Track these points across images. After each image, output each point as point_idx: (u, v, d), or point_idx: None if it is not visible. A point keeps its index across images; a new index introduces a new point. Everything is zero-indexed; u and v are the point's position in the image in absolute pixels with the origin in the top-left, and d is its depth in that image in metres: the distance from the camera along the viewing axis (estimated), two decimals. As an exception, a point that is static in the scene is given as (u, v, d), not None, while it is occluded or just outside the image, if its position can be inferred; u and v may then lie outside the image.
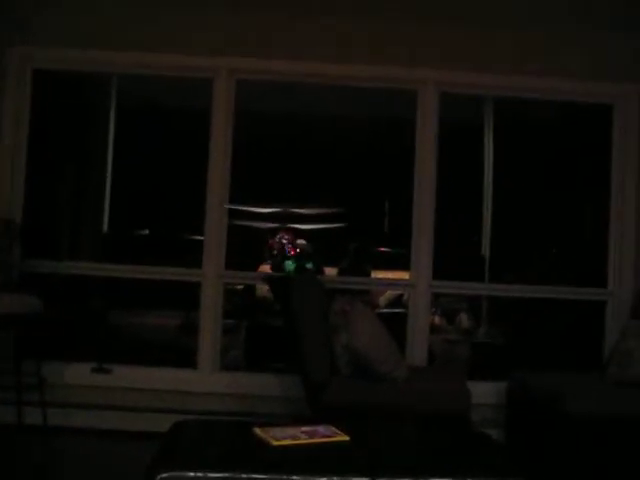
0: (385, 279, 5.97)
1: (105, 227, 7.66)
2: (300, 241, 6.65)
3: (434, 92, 4.60)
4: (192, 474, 2.33)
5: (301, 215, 7.47)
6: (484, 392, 4.30)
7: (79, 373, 4.47)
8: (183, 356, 4.84)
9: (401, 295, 6.54)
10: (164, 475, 2.31)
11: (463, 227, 7.39)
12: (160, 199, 7.75)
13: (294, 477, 2.31)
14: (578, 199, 6.36)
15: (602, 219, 4.81)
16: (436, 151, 4.61)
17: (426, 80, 4.59)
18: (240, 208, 4.64)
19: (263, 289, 6.89)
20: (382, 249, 7.82)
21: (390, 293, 6.99)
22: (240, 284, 7.19)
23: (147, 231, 7.99)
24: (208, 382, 4.46)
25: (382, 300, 6.93)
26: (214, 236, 4.52)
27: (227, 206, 4.48)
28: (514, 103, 5.22)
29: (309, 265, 6.85)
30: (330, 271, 7.05)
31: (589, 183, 5.78)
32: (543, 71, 4.57)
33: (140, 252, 7.15)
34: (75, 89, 5.89)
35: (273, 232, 7.02)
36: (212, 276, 4.50)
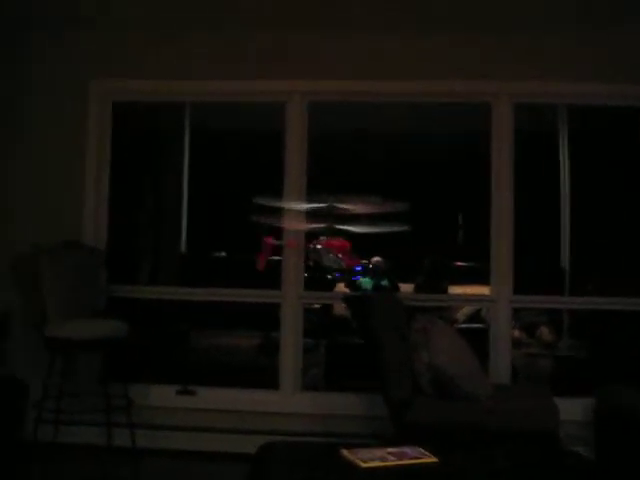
0: (464, 295, 5.90)
1: (183, 249, 7.83)
2: (375, 258, 6.63)
3: (508, 104, 4.54)
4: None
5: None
6: (569, 408, 4.17)
7: (164, 395, 4.56)
8: (264, 376, 4.89)
9: (479, 310, 6.46)
10: (256, 498, 2.35)
11: (541, 239, 7.25)
12: (236, 221, 7.87)
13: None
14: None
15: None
16: (512, 163, 4.54)
17: (499, 92, 4.54)
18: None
19: (340, 307, 6.91)
20: (458, 263, 7.75)
21: (468, 308, 6.90)
22: (318, 304, 7.24)
23: (224, 253, 8.13)
24: (290, 403, 4.48)
25: (460, 315, 6.85)
26: (292, 257, 4.56)
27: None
28: (589, 110, 5.10)
29: (384, 282, 6.83)
30: (405, 287, 7.01)
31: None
32: (615, 77, 4.46)
33: (218, 273, 7.28)
34: (151, 116, 6.05)
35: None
36: (291, 297, 4.54)
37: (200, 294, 4.90)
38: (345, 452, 2.62)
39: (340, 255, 3.38)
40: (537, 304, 5.11)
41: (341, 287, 6.97)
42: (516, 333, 6.80)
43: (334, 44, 4.52)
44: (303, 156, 4.62)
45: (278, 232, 4.52)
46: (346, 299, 4.08)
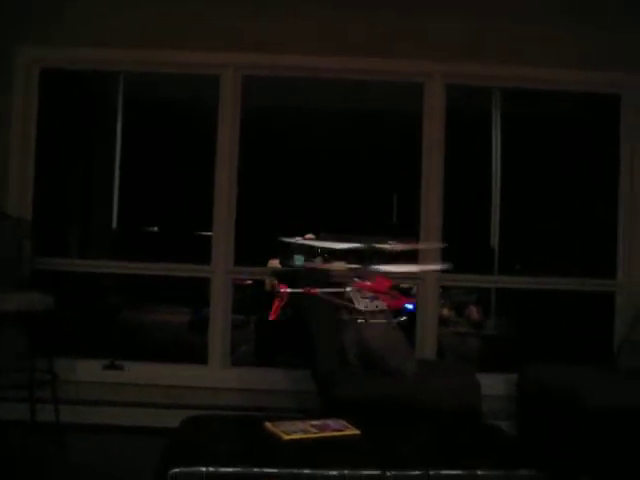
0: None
1: (114, 224, 7.69)
2: (308, 235, 6.63)
3: (440, 84, 4.59)
4: (204, 469, 2.34)
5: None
6: (494, 384, 4.30)
7: (91, 370, 4.50)
8: (194, 352, 4.87)
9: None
10: (176, 470, 2.33)
11: (472, 219, 7.38)
12: (169, 195, 7.77)
13: (305, 471, 2.33)
14: (587, 190, 6.35)
15: (612, 210, 4.80)
16: (443, 143, 4.60)
17: (432, 72, 4.58)
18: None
19: (272, 284, 6.90)
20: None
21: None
22: (249, 279, 7.21)
23: (156, 228, 8.03)
24: (218, 378, 4.48)
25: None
26: (222, 232, 4.54)
27: None
28: (522, 93, 5.20)
29: (318, 260, 6.83)
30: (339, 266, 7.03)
31: (599, 174, 5.76)
32: (549, 61, 4.56)
33: (150, 248, 7.19)
34: (82, 86, 5.90)
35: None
36: (221, 272, 4.52)
37: (130, 268, 4.83)
38: (268, 425, 2.63)
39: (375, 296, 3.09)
40: (465, 282, 5.19)
41: (275, 263, 6.96)
42: (445, 312, 6.94)
43: (272, 18, 4.48)
44: (236, 131, 4.58)
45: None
46: (276, 273, 4.07)
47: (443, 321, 6.56)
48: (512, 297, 7.04)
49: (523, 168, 7.04)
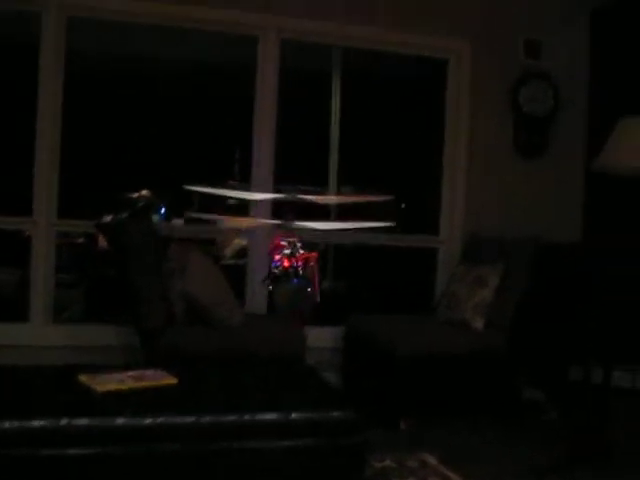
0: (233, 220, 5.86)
1: None
2: (144, 192, 6.47)
3: (275, 39, 4.58)
4: (7, 424, 2.23)
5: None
6: (322, 336, 4.42)
7: None
8: (19, 311, 4.60)
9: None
10: (-22, 425, 2.21)
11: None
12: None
13: (118, 421, 2.28)
14: (419, 150, 6.56)
15: (438, 172, 5.02)
16: (277, 98, 4.60)
17: (267, 26, 4.55)
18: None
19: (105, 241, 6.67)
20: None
21: (237, 244, 6.96)
22: (81, 237, 6.93)
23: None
24: (40, 335, 4.26)
25: (228, 251, 6.90)
26: (45, 181, 4.28)
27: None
28: (362, 54, 5.26)
29: (155, 217, 6.67)
30: (179, 222, 6.92)
31: (430, 134, 5.98)
32: (386, 23, 4.69)
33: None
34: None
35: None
36: (43, 224, 4.28)
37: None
38: (83, 377, 2.55)
39: None
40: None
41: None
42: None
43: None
44: (59, 74, 4.31)
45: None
46: (101, 226, 3.90)
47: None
48: (348, 259, 7.20)
49: (361, 127, 7.17)
